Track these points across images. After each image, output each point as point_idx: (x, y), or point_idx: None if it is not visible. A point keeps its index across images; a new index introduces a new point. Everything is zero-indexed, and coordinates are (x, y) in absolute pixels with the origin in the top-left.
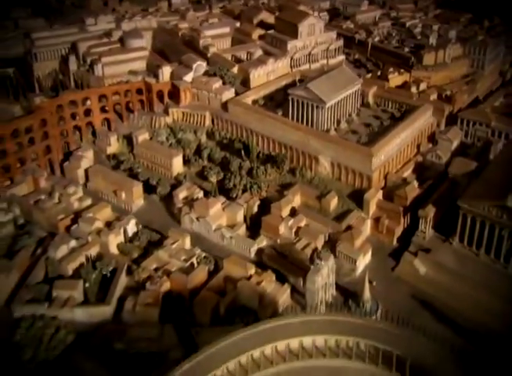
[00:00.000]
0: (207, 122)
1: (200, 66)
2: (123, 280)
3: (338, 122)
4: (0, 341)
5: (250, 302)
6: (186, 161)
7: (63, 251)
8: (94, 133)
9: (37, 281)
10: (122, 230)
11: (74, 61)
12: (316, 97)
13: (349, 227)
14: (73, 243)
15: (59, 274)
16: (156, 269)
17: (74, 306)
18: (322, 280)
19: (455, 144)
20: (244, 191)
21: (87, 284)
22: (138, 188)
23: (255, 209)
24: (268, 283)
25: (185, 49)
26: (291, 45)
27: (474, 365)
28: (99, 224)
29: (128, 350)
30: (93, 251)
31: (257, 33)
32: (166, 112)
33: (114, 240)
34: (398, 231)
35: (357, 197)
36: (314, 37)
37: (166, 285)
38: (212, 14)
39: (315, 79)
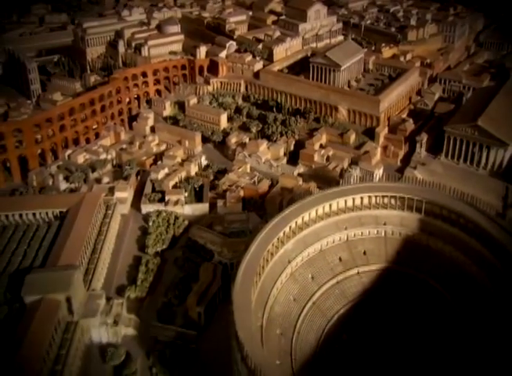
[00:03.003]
0: (242, 88)
1: (232, 45)
2: (208, 192)
3: (348, 82)
4: None
5: None
6: (229, 119)
7: (161, 174)
8: (147, 101)
9: (147, 192)
10: (197, 162)
11: (123, 45)
12: (333, 62)
13: (366, 152)
14: (165, 170)
15: (162, 190)
16: (229, 186)
17: (183, 204)
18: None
19: (437, 95)
20: (281, 136)
21: (186, 194)
22: (198, 137)
23: (292, 147)
24: (314, 188)
25: (210, 33)
26: (302, 27)
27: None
28: (177, 159)
29: (224, 230)
30: (181, 175)
31: (270, 19)
32: (207, 82)
33: (194, 168)
34: (401, 154)
35: (369, 133)
36: (319, 20)
37: (241, 193)
38: (226, 5)
39: (330, 49)
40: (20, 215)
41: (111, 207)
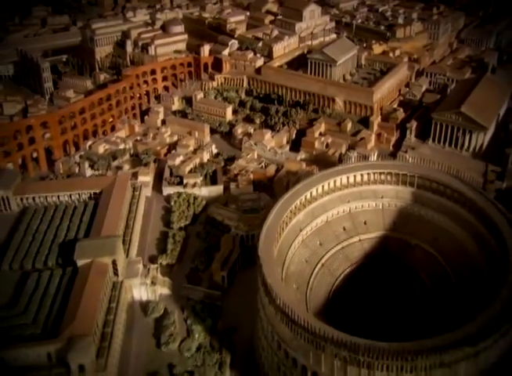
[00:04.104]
0: (245, 84)
1: (234, 43)
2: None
3: (344, 76)
4: None
5: None
6: (234, 111)
7: (177, 161)
8: (155, 97)
9: (167, 177)
10: (209, 150)
11: (130, 44)
12: (330, 58)
13: (361, 139)
14: (181, 157)
15: (179, 175)
16: (240, 170)
17: (200, 186)
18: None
19: (424, 87)
20: (283, 126)
21: (201, 177)
22: (207, 128)
23: (293, 136)
24: (316, 171)
25: (211, 33)
26: (298, 26)
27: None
28: (190, 148)
29: (238, 208)
30: (196, 162)
31: (268, 19)
32: (211, 78)
33: (206, 155)
34: (393, 140)
35: (364, 122)
36: (314, 20)
37: (251, 176)
38: (224, 6)
39: (327, 46)
40: (58, 197)
41: (137, 189)
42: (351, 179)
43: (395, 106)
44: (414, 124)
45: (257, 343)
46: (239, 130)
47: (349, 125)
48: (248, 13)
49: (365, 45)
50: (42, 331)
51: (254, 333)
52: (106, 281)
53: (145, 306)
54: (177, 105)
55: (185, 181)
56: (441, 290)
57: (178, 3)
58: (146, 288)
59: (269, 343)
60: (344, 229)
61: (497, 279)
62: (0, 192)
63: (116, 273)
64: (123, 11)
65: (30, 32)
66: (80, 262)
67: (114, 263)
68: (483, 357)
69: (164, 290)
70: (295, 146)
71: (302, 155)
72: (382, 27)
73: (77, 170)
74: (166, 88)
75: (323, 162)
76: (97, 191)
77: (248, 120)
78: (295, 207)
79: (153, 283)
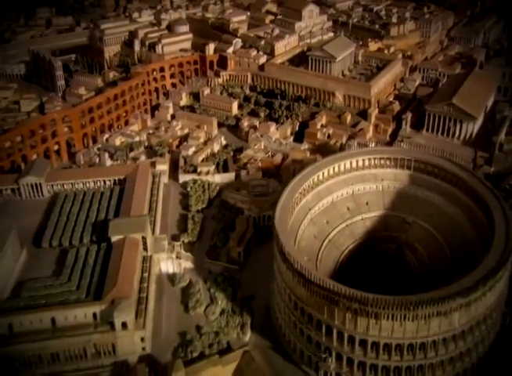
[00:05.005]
0: (249, 80)
1: (238, 41)
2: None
3: (342, 72)
4: None
5: None
6: (239, 106)
7: (190, 151)
8: (164, 94)
9: (182, 165)
10: (219, 141)
11: (138, 44)
12: (329, 55)
13: (360, 130)
14: (193, 148)
15: (192, 164)
16: (249, 159)
17: (213, 174)
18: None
19: (417, 82)
20: (287, 119)
21: (213, 166)
22: (214, 121)
23: (296, 128)
24: (319, 158)
25: (214, 32)
26: (297, 25)
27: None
28: (201, 140)
29: (249, 193)
30: (207, 152)
31: (268, 18)
32: (217, 75)
33: (216, 146)
34: (390, 131)
35: (362, 114)
36: (312, 19)
37: (259, 164)
38: (226, 6)
39: (326, 44)
40: (85, 183)
41: (157, 176)
42: (354, 164)
43: (391, 99)
44: (409, 115)
45: (273, 307)
46: (245, 123)
47: (349, 117)
48: (249, 13)
49: (361, 42)
50: (86, 296)
51: (270, 299)
52: (138, 254)
53: (171, 278)
54: (185, 100)
55: (199, 169)
56: (436, 259)
57: (178, 4)
58: (171, 262)
59: (286, 305)
60: (348, 208)
61: (485, 246)
62: (34, 179)
63: (145, 248)
64: (124, 12)
65: (36, 33)
66: (114, 238)
67: (144, 239)
68: (473, 307)
69: (187, 264)
70: (298, 137)
71: (306, 145)
72: (377, 26)
73: (97, 160)
74: (173, 85)
75: (325, 151)
76: (121, 177)
77: (253, 114)
78: (304, 189)
79: (177, 257)
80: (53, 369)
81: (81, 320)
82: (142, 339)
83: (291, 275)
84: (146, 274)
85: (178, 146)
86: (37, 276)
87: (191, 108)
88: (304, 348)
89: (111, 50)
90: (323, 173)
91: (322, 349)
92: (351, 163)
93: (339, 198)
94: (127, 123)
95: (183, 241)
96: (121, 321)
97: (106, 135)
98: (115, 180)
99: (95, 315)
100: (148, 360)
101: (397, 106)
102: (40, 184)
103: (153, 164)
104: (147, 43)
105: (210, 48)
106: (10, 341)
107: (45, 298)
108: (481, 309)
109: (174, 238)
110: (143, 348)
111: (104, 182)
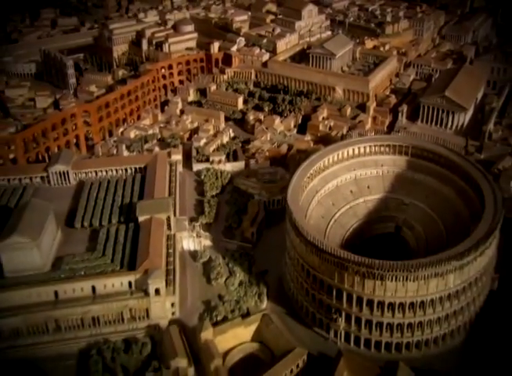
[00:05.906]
0: (253, 76)
1: (241, 40)
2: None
3: (341, 68)
4: None
5: None
6: (244, 101)
7: (201, 143)
8: (172, 90)
9: (195, 155)
10: (228, 133)
11: (145, 43)
12: (329, 52)
13: (359, 122)
14: (204, 140)
15: (204, 154)
16: (257, 150)
17: (225, 163)
18: None
19: (411, 77)
20: (290, 112)
21: (224, 155)
22: (222, 115)
23: (299, 121)
24: (322, 148)
25: (218, 31)
26: (297, 24)
27: None
28: (210, 132)
29: (259, 180)
30: (218, 143)
31: (269, 18)
32: (222, 72)
33: (225, 138)
34: (387, 122)
35: (361, 107)
36: (311, 19)
37: (267, 154)
38: (227, 7)
39: (326, 41)
40: (108, 171)
41: (174, 164)
42: (356, 151)
43: (388, 93)
44: (405, 107)
45: (286, 278)
46: (251, 117)
47: (348, 110)
48: (250, 13)
49: (357, 40)
50: (120, 268)
51: (283, 272)
52: (164, 232)
53: (193, 254)
54: (192, 96)
55: (211, 158)
56: (432, 235)
57: (179, 4)
58: (193, 240)
59: (299, 274)
60: (351, 192)
61: (476, 223)
62: (62, 167)
63: (169, 228)
64: (127, 12)
65: (43, 33)
66: (141, 218)
67: (168, 219)
68: (466, 270)
69: (206, 242)
70: (301, 129)
71: (308, 137)
72: (372, 25)
73: (114, 152)
74: (181, 82)
75: (327, 141)
76: (141, 166)
77: (257, 108)
78: (311, 174)
79: (197, 236)
80: (94, 331)
81: (117, 288)
82: (173, 305)
83: (304, 246)
84: (171, 250)
85: (188, 139)
86: (73, 252)
87: (198, 103)
88: (316, 311)
89: (119, 49)
90: (328, 159)
91: (332, 311)
92: (353, 150)
93: (343, 182)
94: (139, 117)
95: (201, 222)
96: (155, 288)
97: (121, 129)
98: (135, 168)
99: (130, 283)
100: (177, 324)
101: (393, 100)
102: (67, 172)
103: (169, 155)
104: (154, 42)
105: (215, 46)
106: (56, 307)
107: (84, 270)
108: (473, 272)
109: (193, 220)
110: (173, 313)
111: (126, 170)
